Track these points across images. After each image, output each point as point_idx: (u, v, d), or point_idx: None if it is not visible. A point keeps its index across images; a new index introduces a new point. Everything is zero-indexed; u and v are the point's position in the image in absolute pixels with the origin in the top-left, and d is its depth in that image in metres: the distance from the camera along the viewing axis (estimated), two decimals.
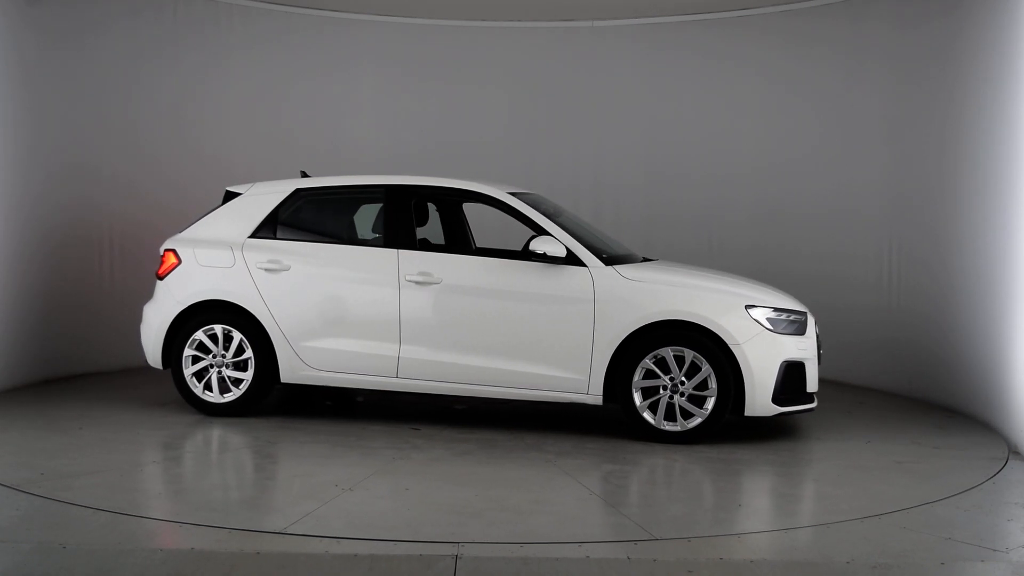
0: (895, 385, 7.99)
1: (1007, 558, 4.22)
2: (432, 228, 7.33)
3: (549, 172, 9.45)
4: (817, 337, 6.36)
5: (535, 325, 6.20)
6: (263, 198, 6.89)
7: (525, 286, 6.24)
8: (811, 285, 8.12)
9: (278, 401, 7.34)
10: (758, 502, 5.30)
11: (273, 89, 9.31)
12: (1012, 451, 6.10)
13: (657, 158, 9.46)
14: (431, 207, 7.20)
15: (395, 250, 6.47)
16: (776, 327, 6.08)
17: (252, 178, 8.86)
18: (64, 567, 3.92)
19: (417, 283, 6.37)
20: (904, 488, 5.26)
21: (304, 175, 7.14)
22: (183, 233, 6.99)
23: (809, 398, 6.25)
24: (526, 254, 6.25)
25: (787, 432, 6.56)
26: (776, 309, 6.16)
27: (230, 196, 7.04)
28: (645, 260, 6.88)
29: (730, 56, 9.16)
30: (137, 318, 8.45)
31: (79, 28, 8.07)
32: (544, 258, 6.20)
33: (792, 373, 6.09)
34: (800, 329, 6.19)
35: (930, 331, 7.60)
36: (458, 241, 7.61)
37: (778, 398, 6.04)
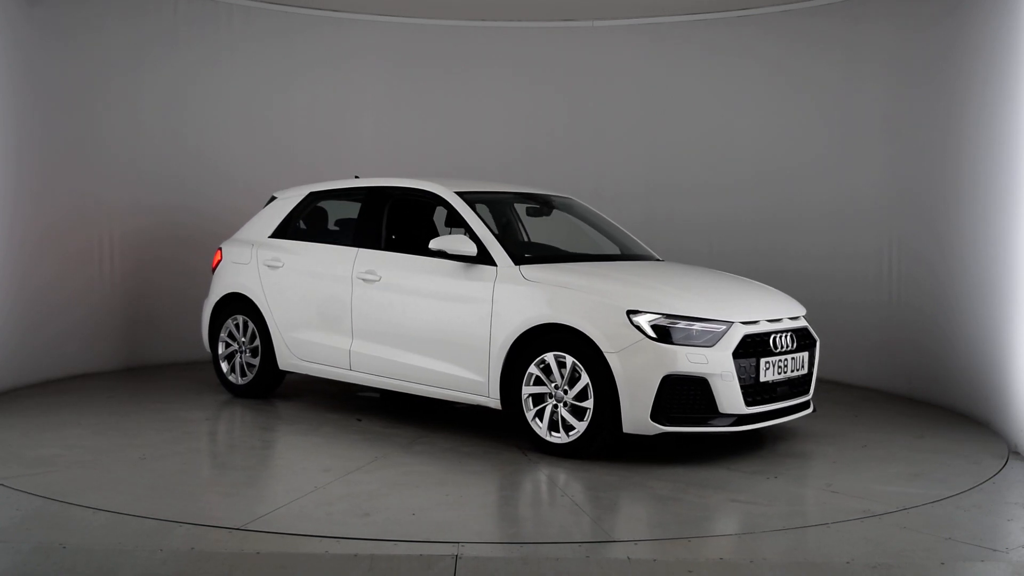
0: (894, 384, 7.99)
1: (1007, 558, 4.22)
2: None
3: (550, 171, 9.45)
4: (769, 348, 5.61)
5: (448, 324, 6.10)
6: (286, 201, 7.40)
7: (443, 285, 6.15)
8: (811, 284, 8.12)
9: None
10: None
11: (273, 88, 9.31)
12: (1012, 451, 6.10)
13: (657, 157, 9.46)
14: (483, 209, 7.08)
15: (356, 248, 6.72)
16: (665, 336, 5.37)
17: (250, 177, 8.89)
18: (64, 567, 3.92)
19: (364, 280, 6.55)
20: (904, 488, 5.26)
21: (356, 179, 7.35)
22: (235, 234, 7.63)
23: (728, 420, 5.45)
24: (437, 252, 6.20)
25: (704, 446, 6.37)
26: (668, 316, 5.43)
27: (272, 200, 7.56)
28: (657, 261, 6.91)
29: (730, 56, 9.16)
30: (136, 317, 8.52)
31: (80, 26, 8.07)
32: (444, 255, 6.14)
33: (686, 389, 5.36)
34: (710, 340, 5.40)
35: (930, 330, 7.59)
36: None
37: (663, 416, 5.36)
